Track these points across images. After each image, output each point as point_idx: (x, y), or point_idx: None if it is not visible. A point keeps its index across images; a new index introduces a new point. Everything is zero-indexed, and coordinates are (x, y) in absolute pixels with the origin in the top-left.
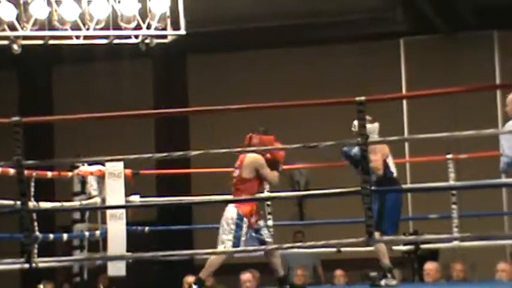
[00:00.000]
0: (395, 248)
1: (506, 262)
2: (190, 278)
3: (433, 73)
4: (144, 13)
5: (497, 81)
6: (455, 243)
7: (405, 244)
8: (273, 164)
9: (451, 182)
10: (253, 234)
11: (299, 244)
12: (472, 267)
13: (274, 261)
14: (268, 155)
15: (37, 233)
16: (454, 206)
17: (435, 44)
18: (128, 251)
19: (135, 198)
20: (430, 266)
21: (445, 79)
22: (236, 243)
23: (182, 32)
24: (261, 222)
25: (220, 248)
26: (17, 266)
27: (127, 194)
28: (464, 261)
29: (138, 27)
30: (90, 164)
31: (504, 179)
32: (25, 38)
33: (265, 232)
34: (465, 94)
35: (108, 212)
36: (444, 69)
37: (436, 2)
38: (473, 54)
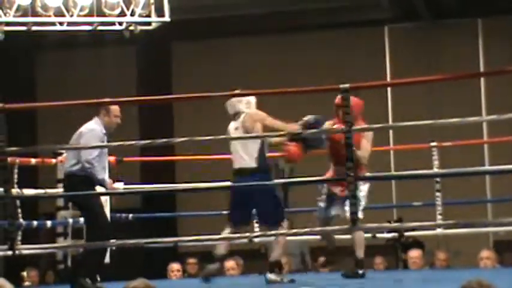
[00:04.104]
0: (379, 235)
1: (490, 250)
2: (175, 265)
3: (417, 60)
4: (128, 0)
5: (481, 68)
6: (439, 230)
7: (389, 232)
8: None
9: (435, 170)
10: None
11: (282, 232)
12: (455, 255)
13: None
14: None
15: (20, 220)
16: (438, 194)
17: (419, 31)
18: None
19: (119, 186)
20: (414, 254)
21: (429, 66)
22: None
23: (166, 18)
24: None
25: None
26: (0, 253)
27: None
28: (448, 248)
29: (122, 14)
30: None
31: (488, 167)
32: (8, 24)
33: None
34: (449, 81)
35: None
36: (428, 56)
37: None
38: (457, 41)
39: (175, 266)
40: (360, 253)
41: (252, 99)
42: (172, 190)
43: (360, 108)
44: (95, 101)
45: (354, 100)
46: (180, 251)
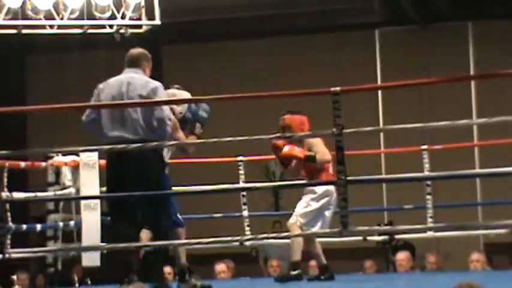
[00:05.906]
0: (369, 238)
1: (480, 252)
2: (166, 268)
3: (408, 64)
4: (118, 3)
5: (471, 71)
6: (430, 233)
7: (380, 234)
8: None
9: (426, 173)
10: None
11: (273, 235)
12: (446, 257)
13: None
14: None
15: (10, 223)
16: (428, 197)
17: (410, 34)
18: (102, 241)
19: None
20: (401, 256)
21: (419, 70)
22: None
23: (157, 22)
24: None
25: None
26: None
27: (101, 185)
28: (438, 251)
29: (112, 17)
30: (65, 154)
31: (478, 170)
32: None
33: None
34: (440, 85)
35: (83, 202)
36: (419, 60)
37: None
38: (447, 45)
39: (166, 269)
40: (295, 255)
41: None
42: (163, 193)
43: (297, 124)
44: (86, 104)
45: (289, 118)
46: (171, 254)
